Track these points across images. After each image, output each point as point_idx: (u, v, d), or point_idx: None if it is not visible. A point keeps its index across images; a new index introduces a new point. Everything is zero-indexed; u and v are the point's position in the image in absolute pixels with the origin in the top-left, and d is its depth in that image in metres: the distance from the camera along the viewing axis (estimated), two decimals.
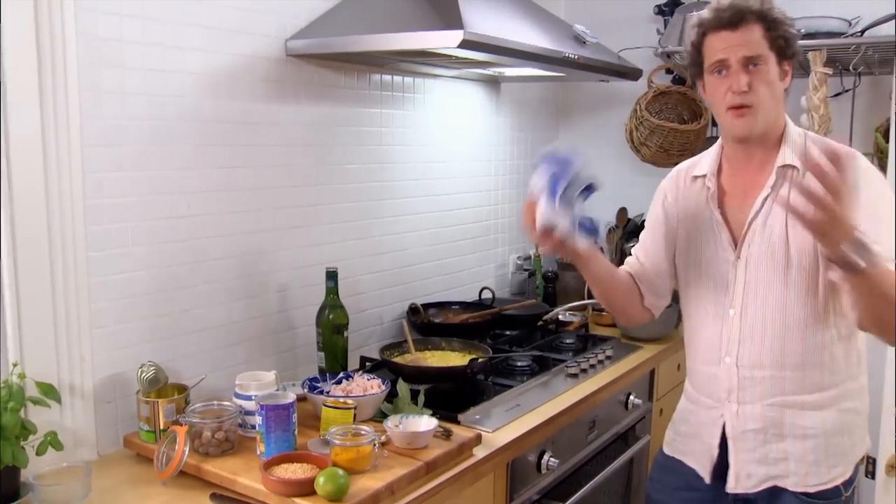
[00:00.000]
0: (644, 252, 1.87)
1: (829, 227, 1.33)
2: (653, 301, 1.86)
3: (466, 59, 2.15)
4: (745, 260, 1.65)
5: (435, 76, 2.63)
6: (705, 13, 1.61)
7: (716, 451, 1.72)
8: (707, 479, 1.74)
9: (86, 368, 1.70)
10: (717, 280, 1.70)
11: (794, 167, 1.60)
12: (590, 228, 1.56)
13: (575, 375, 2.28)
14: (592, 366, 2.36)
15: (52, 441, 1.55)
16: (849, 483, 1.68)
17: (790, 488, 1.66)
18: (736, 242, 1.66)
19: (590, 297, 3.02)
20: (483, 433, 1.84)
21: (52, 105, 1.60)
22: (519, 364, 2.34)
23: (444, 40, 1.83)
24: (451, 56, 2.06)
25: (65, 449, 1.60)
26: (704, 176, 1.73)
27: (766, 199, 1.63)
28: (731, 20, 1.56)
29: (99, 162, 1.69)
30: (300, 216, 2.18)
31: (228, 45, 1.94)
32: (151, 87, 1.78)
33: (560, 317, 2.79)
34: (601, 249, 2.21)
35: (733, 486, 1.70)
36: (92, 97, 1.66)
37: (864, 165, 1.57)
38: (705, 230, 1.71)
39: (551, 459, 2.01)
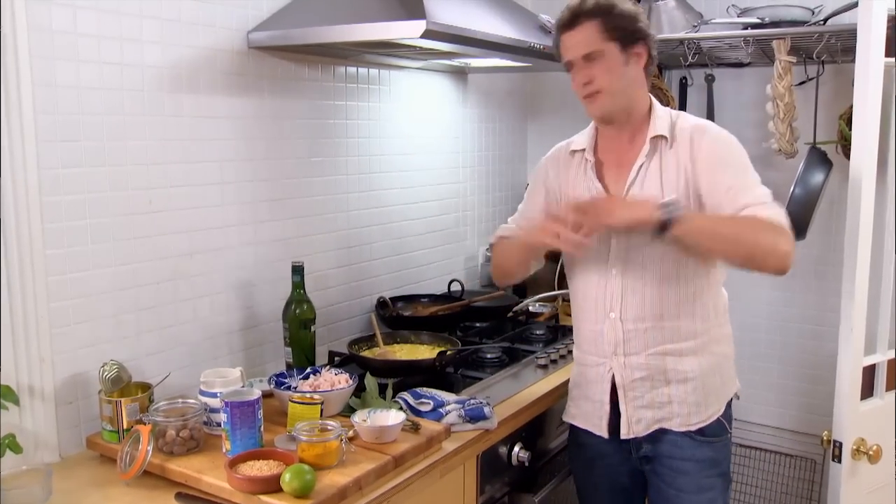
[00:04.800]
0: (525, 221, 2.00)
1: (600, 218, 1.65)
2: (532, 262, 2.03)
3: (431, 49, 2.13)
4: None
5: (400, 67, 2.61)
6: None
7: (608, 406, 1.87)
8: (605, 434, 1.88)
9: (45, 369, 1.67)
10: (600, 243, 1.82)
11: (664, 137, 1.77)
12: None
13: (545, 366, 2.29)
14: (563, 356, 2.36)
15: (11, 444, 1.53)
16: (728, 421, 1.88)
17: (675, 429, 1.83)
18: None
19: (560, 287, 3.03)
20: (452, 426, 1.83)
21: (4, 100, 1.56)
22: (489, 356, 2.34)
23: (407, 31, 1.81)
24: (414, 47, 2.04)
25: (25, 452, 1.58)
26: (583, 150, 1.88)
27: (640, 167, 1.78)
28: (569, 22, 1.74)
29: (55, 158, 1.65)
30: (265, 210, 2.15)
31: (188, 38, 1.90)
32: (108, 80, 1.74)
33: (530, 308, 2.79)
34: None
35: (626, 432, 1.86)
36: (46, 92, 1.62)
37: (714, 134, 1.78)
38: (586, 198, 1.84)
39: (521, 451, 2.01)
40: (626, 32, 1.73)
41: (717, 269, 1.83)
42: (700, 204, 1.73)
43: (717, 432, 1.85)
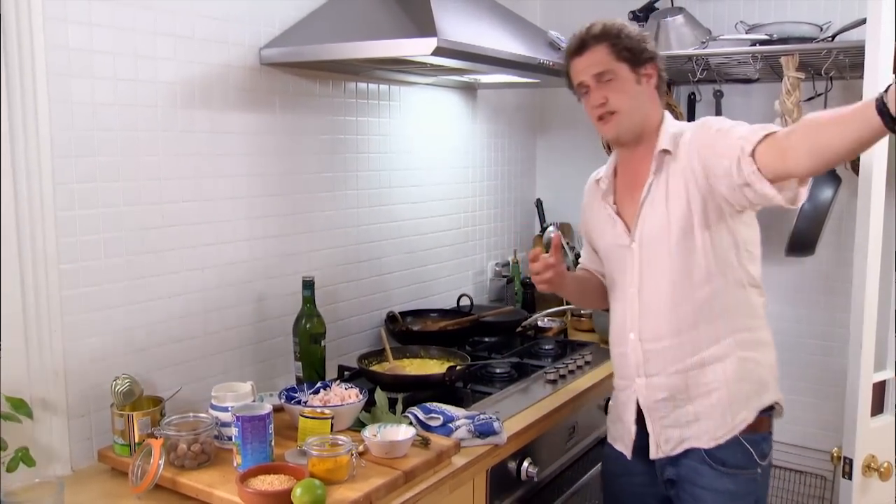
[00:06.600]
0: (589, 249, 2.09)
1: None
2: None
3: (441, 66, 2.15)
4: (638, 242, 1.82)
5: (411, 83, 2.63)
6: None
7: (633, 427, 1.86)
8: (628, 455, 1.89)
9: (59, 382, 1.68)
10: (619, 265, 1.87)
11: (667, 151, 1.77)
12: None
13: (554, 381, 2.29)
14: (571, 371, 2.36)
15: (24, 457, 1.54)
16: (758, 452, 1.78)
17: (703, 447, 1.79)
18: (630, 229, 1.84)
19: (568, 302, 3.03)
20: (462, 441, 1.83)
21: (20, 116, 1.58)
22: (498, 371, 2.34)
23: (418, 48, 1.82)
24: (425, 63, 2.06)
25: (37, 464, 1.59)
26: (605, 177, 1.92)
27: (650, 184, 1.80)
28: (577, 48, 1.79)
29: (70, 173, 1.67)
30: (276, 225, 2.17)
31: (201, 55, 1.92)
32: (123, 97, 1.76)
33: (539, 323, 2.79)
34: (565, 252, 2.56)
35: (654, 452, 1.84)
36: (62, 108, 1.64)
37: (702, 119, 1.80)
38: (604, 223, 1.92)
39: (530, 466, 2.01)
40: (635, 53, 1.77)
41: (737, 267, 1.76)
42: (709, 189, 1.68)
43: (740, 463, 1.77)
